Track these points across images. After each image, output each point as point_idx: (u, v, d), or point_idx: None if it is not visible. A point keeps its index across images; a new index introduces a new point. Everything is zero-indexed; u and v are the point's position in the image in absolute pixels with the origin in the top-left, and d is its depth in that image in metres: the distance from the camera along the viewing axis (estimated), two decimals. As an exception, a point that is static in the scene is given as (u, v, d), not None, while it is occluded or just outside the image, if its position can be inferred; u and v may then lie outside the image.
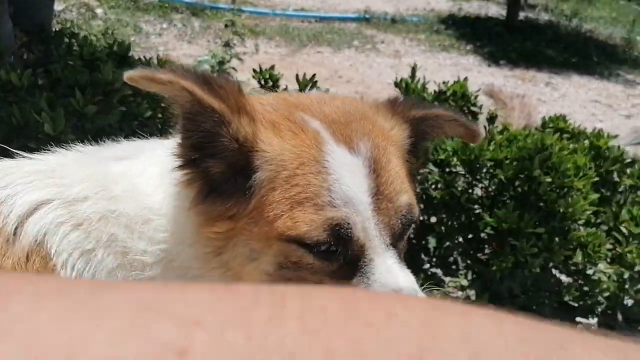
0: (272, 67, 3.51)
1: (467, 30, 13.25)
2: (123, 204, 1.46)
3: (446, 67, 11.39)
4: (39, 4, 6.37)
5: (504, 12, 14.28)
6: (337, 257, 1.36)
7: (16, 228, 1.42)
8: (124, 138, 1.68)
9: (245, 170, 1.36)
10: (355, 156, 1.40)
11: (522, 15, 14.48)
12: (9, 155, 1.63)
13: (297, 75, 3.28)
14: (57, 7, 9.67)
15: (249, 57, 9.40)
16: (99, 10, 10.91)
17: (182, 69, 1.35)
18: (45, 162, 1.56)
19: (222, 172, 1.37)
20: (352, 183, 1.37)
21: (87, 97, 3.17)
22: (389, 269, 1.37)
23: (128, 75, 1.29)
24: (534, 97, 10.05)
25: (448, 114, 1.67)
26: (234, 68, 7.55)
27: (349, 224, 1.33)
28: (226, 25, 10.37)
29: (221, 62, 7.35)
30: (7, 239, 1.41)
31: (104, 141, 1.67)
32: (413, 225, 1.51)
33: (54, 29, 6.55)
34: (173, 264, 1.46)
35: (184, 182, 1.40)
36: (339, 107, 1.52)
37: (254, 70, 3.45)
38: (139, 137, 1.72)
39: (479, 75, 10.79)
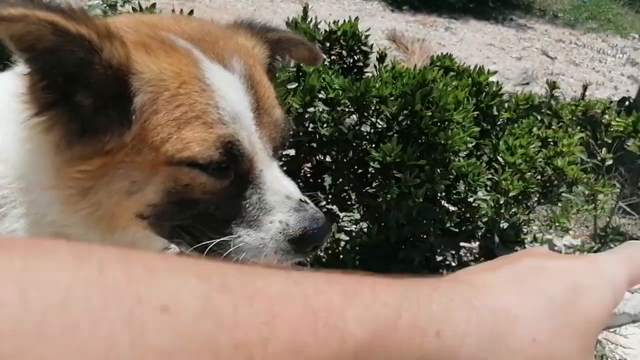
0: (154, 5, 3.41)
1: (370, -23, 13.29)
2: None
3: (350, 12, 11.41)
4: None
5: (406, -42, 14.38)
6: (228, 174, 1.39)
7: None
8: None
9: (121, 98, 1.31)
10: (230, 73, 1.42)
11: (424, -39, 14.65)
12: None
13: (172, 10, 3.21)
14: None
15: (145, 1, 9.01)
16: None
17: (21, 1, 1.22)
18: None
19: (93, 105, 1.31)
20: (236, 99, 1.39)
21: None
22: (277, 178, 1.45)
23: None
24: (434, 41, 10.32)
25: (297, 37, 1.79)
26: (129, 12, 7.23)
27: (239, 140, 1.37)
28: (116, -32, 9.84)
29: (112, 6, 6.99)
30: None
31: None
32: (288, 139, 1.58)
33: None
34: (15, 211, 1.39)
35: (42, 129, 1.32)
36: (200, 27, 1.53)
37: (133, 9, 3.34)
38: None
39: (383, 21, 10.92)
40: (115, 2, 7.51)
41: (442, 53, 4.92)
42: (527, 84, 8.60)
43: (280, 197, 1.43)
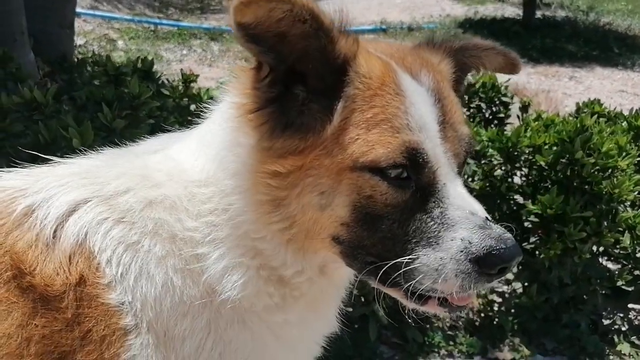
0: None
1: (484, 33, 13.11)
2: (165, 188, 1.44)
3: (466, 70, 11.28)
4: (60, 35, 6.44)
5: (520, 12, 14.15)
6: (409, 185, 1.33)
7: (55, 231, 1.39)
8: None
9: (332, 91, 1.34)
10: (419, 84, 1.41)
11: (538, 14, 14.33)
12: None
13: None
14: (79, 41, 9.80)
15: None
16: (119, 42, 11.03)
17: None
18: (77, 165, 1.54)
19: (304, 98, 1.34)
20: (424, 109, 1.37)
21: (115, 112, 3.12)
22: (461, 194, 1.36)
23: None
24: (559, 91, 9.88)
25: (486, 42, 1.68)
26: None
27: (423, 148, 1.33)
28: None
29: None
30: (47, 243, 1.37)
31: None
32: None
33: (75, 59, 6.62)
34: (220, 233, 1.41)
35: (255, 125, 1.35)
36: (389, 46, 1.56)
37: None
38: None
39: (502, 75, 10.67)
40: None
41: (587, 99, 4.63)
42: (673, 129, 7.93)
43: (463, 212, 1.31)
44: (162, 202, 1.42)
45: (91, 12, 11.80)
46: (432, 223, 1.32)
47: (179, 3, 14.06)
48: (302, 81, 1.33)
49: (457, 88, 1.62)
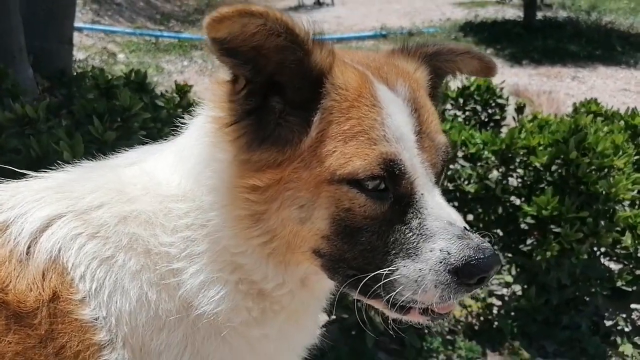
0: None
1: (485, 35, 13.12)
2: (140, 202, 1.42)
3: (468, 73, 11.23)
4: (59, 50, 6.49)
5: (521, 14, 14.14)
6: (387, 197, 1.33)
7: (29, 247, 1.37)
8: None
9: (308, 103, 1.34)
10: (396, 95, 1.40)
11: (539, 15, 14.32)
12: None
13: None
14: (80, 55, 9.88)
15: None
16: (120, 55, 11.11)
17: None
18: (53, 179, 1.52)
19: (281, 110, 1.33)
20: (400, 120, 1.36)
21: (106, 124, 3.13)
22: (439, 204, 1.35)
23: (219, 13, 1.19)
24: (562, 92, 9.85)
25: (460, 47, 1.67)
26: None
27: (401, 159, 1.32)
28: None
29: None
30: (20, 259, 1.36)
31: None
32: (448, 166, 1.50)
33: (74, 73, 6.66)
34: (197, 248, 1.39)
35: (232, 138, 1.34)
36: (366, 55, 1.55)
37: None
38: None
39: (503, 77, 10.60)
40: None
41: (584, 99, 4.61)
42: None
43: (442, 223, 1.31)
44: (137, 217, 1.40)
45: (92, 26, 11.89)
46: (410, 234, 1.31)
47: (180, 15, 14.16)
48: (279, 93, 1.33)
49: (434, 94, 1.61)
